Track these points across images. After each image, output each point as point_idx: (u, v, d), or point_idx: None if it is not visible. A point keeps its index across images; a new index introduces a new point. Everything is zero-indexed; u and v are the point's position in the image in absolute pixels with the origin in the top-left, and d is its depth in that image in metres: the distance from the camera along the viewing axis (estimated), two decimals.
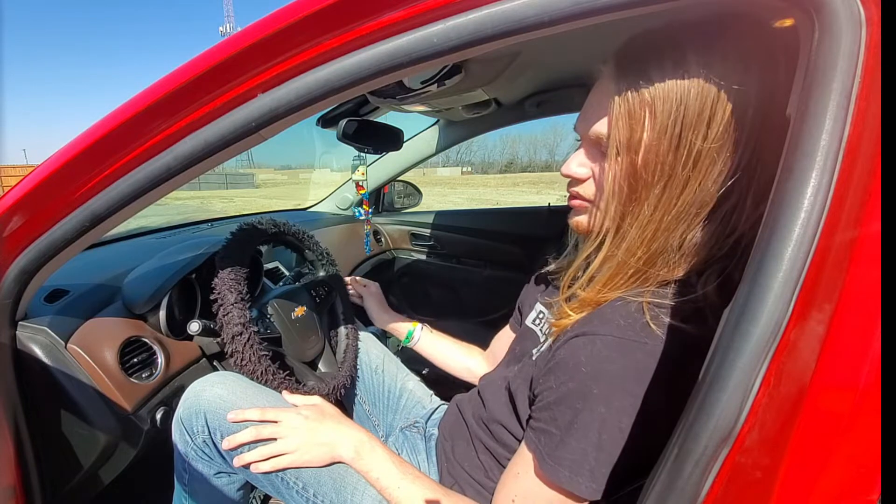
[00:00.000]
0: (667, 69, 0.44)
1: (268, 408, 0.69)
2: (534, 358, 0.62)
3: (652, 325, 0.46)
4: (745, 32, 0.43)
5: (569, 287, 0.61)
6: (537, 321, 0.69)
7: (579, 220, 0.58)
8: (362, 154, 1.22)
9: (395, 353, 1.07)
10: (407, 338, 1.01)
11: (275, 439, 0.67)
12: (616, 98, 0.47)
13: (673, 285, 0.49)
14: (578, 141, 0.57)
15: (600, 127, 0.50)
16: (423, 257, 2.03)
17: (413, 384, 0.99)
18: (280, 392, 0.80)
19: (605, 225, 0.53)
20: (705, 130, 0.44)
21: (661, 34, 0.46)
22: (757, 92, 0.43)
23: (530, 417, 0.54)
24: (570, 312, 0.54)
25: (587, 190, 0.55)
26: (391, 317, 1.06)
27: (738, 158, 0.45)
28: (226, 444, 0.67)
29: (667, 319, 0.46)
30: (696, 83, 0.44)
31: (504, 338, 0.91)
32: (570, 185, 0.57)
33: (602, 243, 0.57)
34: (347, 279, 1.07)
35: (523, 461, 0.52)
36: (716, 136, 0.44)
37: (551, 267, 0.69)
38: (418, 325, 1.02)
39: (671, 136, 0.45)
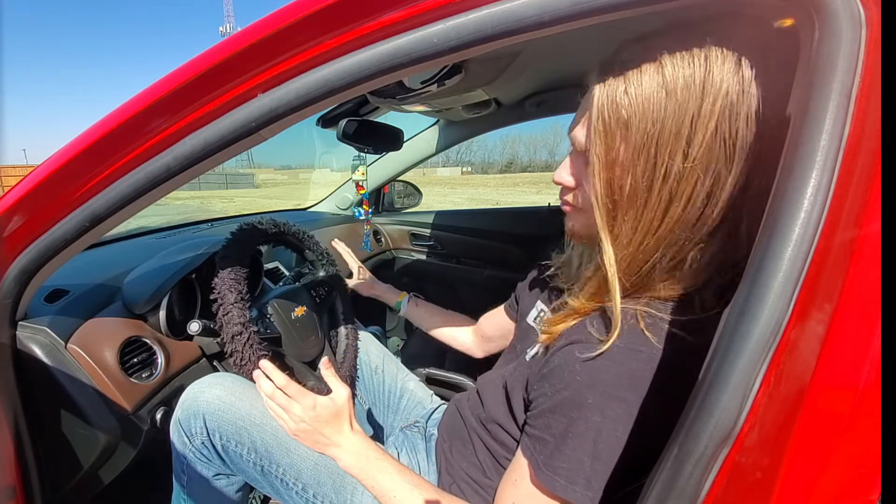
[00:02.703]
0: (645, 84, 0.42)
1: (292, 384, 0.66)
2: (527, 358, 0.61)
3: (647, 332, 0.45)
4: (746, 33, 0.42)
5: (563, 293, 0.61)
6: (538, 319, 0.69)
7: (570, 226, 0.58)
8: (362, 154, 1.22)
9: (394, 354, 1.07)
10: (395, 307, 1.11)
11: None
12: (594, 111, 0.45)
13: (670, 302, 0.48)
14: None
15: (580, 138, 0.49)
16: (423, 257, 2.03)
17: (413, 384, 0.99)
18: None
19: (591, 234, 0.51)
20: (685, 150, 0.42)
21: (647, 43, 0.43)
22: (757, 99, 0.40)
23: (526, 424, 0.54)
24: (559, 323, 0.54)
25: (575, 198, 0.54)
26: (380, 286, 1.17)
27: (735, 176, 0.42)
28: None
29: (664, 326, 0.46)
30: (673, 100, 0.41)
31: (495, 317, 0.93)
32: (561, 191, 0.57)
33: (590, 251, 0.57)
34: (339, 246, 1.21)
35: (520, 468, 0.52)
36: (697, 155, 0.42)
37: (552, 265, 0.69)
38: (406, 297, 1.11)
39: (647, 156, 0.43)
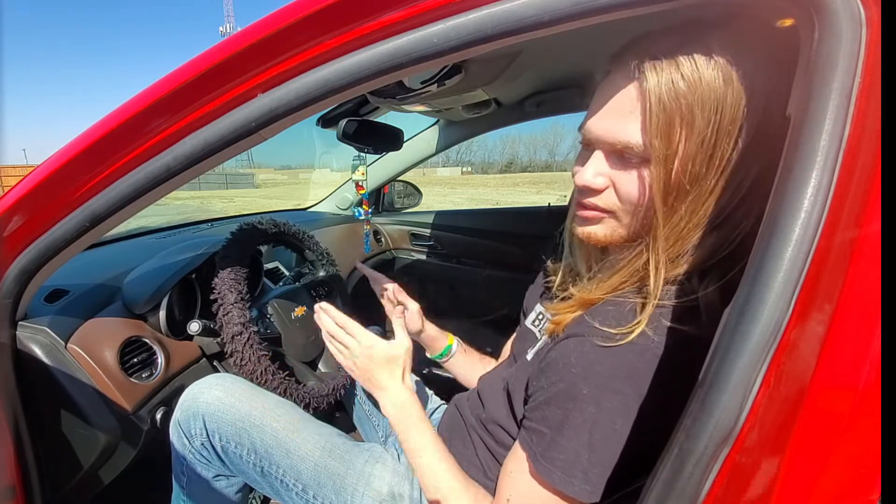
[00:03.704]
0: (703, 72, 0.41)
1: (352, 323, 0.68)
2: (528, 358, 0.61)
3: (644, 326, 0.45)
4: (749, 32, 0.43)
5: (564, 287, 0.60)
6: (536, 322, 0.69)
7: (593, 232, 0.53)
8: (362, 154, 1.22)
9: None
10: (442, 353, 0.89)
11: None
12: (652, 103, 0.42)
13: (670, 285, 0.49)
14: (580, 143, 0.52)
15: (627, 136, 0.45)
16: (423, 257, 2.03)
17: (413, 385, 0.99)
18: (279, 394, 0.80)
19: (623, 235, 0.51)
20: (736, 137, 0.43)
21: (685, 30, 0.43)
22: (767, 93, 0.42)
23: (524, 417, 0.54)
24: (565, 312, 0.54)
25: (607, 200, 0.50)
26: (431, 329, 0.91)
27: (758, 163, 0.44)
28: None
29: (662, 321, 0.46)
30: (731, 87, 0.41)
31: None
32: (583, 195, 0.52)
33: (599, 253, 0.56)
34: (388, 286, 0.94)
35: (516, 460, 0.52)
36: (746, 143, 0.43)
37: (549, 268, 0.69)
38: (455, 341, 0.90)
39: (707, 146, 0.43)
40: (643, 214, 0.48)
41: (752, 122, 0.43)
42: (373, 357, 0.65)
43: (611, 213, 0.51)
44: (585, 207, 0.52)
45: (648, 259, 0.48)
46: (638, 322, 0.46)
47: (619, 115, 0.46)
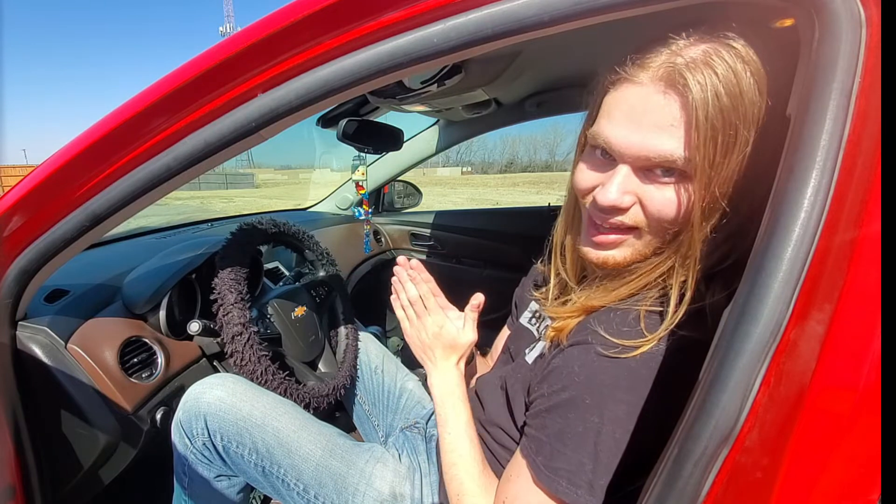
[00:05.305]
0: (741, 84, 0.39)
1: (434, 299, 0.70)
2: (528, 359, 0.61)
3: (647, 333, 0.45)
4: (752, 34, 0.42)
5: (557, 292, 0.60)
6: (533, 320, 0.68)
7: (611, 256, 0.50)
8: (362, 154, 1.22)
9: (394, 354, 1.07)
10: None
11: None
12: (697, 119, 0.40)
13: (675, 290, 0.47)
14: (599, 154, 0.48)
15: (669, 150, 0.42)
16: (423, 257, 2.03)
17: (412, 384, 0.99)
18: (279, 393, 0.80)
19: (643, 254, 0.49)
20: (760, 145, 0.42)
21: (712, 34, 0.40)
22: (773, 96, 0.41)
23: (525, 424, 0.54)
24: (567, 317, 0.53)
25: (633, 217, 0.47)
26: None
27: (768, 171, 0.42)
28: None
29: (665, 325, 0.45)
30: (764, 98, 0.40)
31: (503, 340, 0.89)
32: (606, 213, 0.48)
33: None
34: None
35: (517, 466, 0.52)
36: (766, 149, 0.41)
37: (538, 269, 0.69)
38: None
39: (742, 157, 0.41)
40: (670, 231, 0.47)
41: (765, 129, 0.42)
42: (438, 337, 0.68)
43: (634, 230, 0.48)
44: (605, 230, 0.49)
45: (668, 272, 0.47)
46: (649, 339, 0.45)
47: (658, 129, 0.42)
